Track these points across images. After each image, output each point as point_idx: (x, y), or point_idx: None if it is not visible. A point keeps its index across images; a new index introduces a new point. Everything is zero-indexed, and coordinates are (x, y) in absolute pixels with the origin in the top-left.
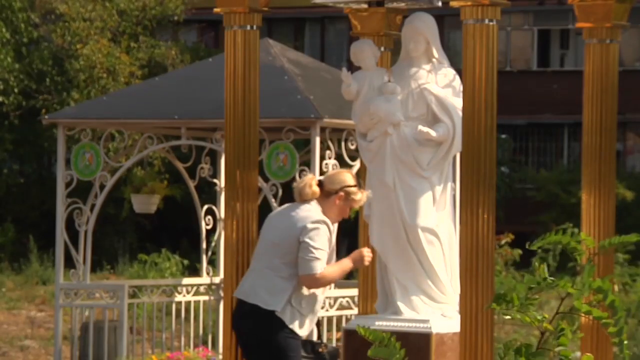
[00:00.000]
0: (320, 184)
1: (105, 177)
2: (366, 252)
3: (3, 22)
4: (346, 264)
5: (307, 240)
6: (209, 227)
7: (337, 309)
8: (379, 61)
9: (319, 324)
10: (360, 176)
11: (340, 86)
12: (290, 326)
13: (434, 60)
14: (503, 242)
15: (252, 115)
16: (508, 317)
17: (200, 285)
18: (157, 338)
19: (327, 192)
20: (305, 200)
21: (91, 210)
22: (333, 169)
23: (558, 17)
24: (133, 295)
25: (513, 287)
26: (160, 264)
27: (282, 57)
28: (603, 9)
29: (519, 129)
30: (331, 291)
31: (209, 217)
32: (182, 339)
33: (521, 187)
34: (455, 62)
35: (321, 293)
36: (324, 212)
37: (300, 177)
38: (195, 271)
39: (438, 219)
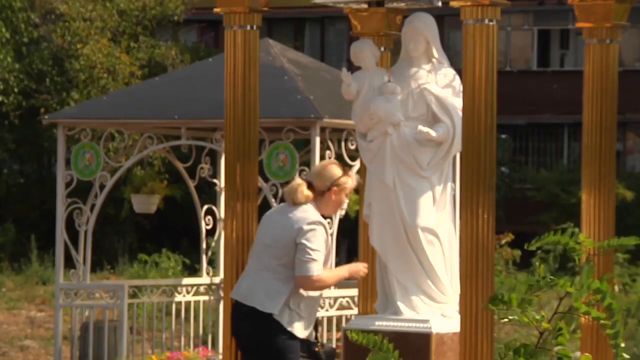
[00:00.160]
0: (310, 184)
1: (105, 177)
2: (362, 267)
3: (3, 22)
4: (342, 272)
5: (304, 241)
6: (209, 227)
7: (337, 309)
8: (379, 61)
9: (318, 323)
10: (360, 176)
11: (340, 86)
12: (289, 329)
13: (434, 60)
14: (503, 242)
15: (252, 115)
16: (505, 319)
17: (200, 285)
18: (157, 338)
19: (320, 191)
20: (298, 204)
21: (91, 210)
22: None
23: (558, 17)
24: (133, 295)
25: (513, 287)
26: (161, 263)
27: (282, 57)
28: (603, 9)
29: (519, 129)
30: (331, 291)
31: (209, 217)
32: (182, 339)
33: (521, 187)
34: (455, 62)
35: (319, 294)
36: (321, 209)
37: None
38: (195, 271)
39: (438, 219)
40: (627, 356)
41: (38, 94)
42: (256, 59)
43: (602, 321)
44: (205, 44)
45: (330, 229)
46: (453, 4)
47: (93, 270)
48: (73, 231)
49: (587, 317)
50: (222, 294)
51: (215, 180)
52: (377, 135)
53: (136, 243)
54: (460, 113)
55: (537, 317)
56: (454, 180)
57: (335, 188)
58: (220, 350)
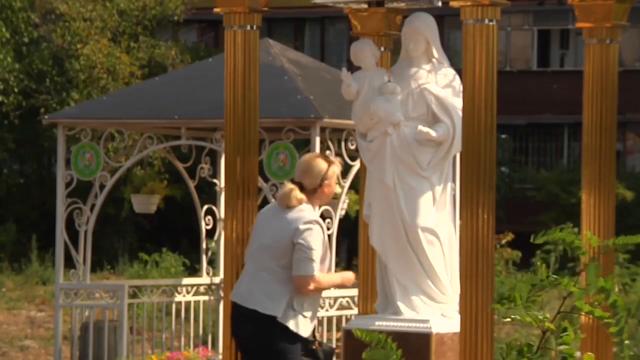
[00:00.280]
0: (300, 185)
1: (105, 177)
2: (353, 277)
3: (3, 21)
4: (336, 279)
5: (301, 241)
6: (209, 227)
7: (337, 309)
8: (379, 61)
9: (319, 323)
10: (360, 176)
11: (340, 86)
12: (295, 330)
13: (434, 60)
14: (503, 241)
15: (252, 115)
16: (508, 319)
17: (200, 285)
18: (157, 338)
19: (311, 189)
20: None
21: (91, 210)
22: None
23: (558, 17)
24: (133, 295)
25: (513, 287)
26: (162, 263)
27: (282, 57)
28: (603, 9)
29: (519, 129)
30: (331, 291)
31: (209, 217)
32: (182, 339)
33: (521, 187)
34: (455, 62)
35: (320, 292)
36: (315, 204)
37: None
38: (195, 271)
39: (438, 219)
40: (632, 352)
41: (38, 94)
42: (256, 59)
43: (605, 320)
44: (205, 44)
45: (330, 229)
46: (453, 4)
47: (93, 270)
48: (73, 231)
49: (588, 316)
50: (222, 294)
51: (215, 180)
52: (377, 135)
53: (136, 243)
54: (460, 113)
55: (541, 316)
56: (454, 180)
57: (326, 182)
58: (220, 350)
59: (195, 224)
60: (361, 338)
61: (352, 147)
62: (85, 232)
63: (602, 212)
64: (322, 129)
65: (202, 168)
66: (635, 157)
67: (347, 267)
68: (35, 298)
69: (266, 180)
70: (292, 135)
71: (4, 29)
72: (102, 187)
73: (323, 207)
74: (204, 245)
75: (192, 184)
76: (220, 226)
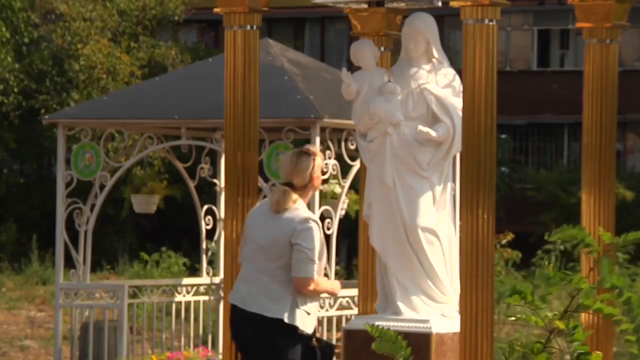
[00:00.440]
0: (290, 185)
1: (105, 177)
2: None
3: (3, 21)
4: (329, 285)
5: (300, 242)
6: (209, 227)
7: (337, 309)
8: (379, 61)
9: (319, 323)
10: (360, 176)
11: (340, 86)
12: (302, 328)
13: (434, 60)
14: (503, 241)
15: (252, 115)
16: (513, 318)
17: (200, 285)
18: (157, 338)
19: (301, 186)
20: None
21: (91, 210)
22: (333, 169)
23: (558, 17)
24: (133, 295)
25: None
26: (162, 262)
27: (282, 57)
28: (603, 9)
29: (519, 129)
30: None
31: (209, 217)
32: (182, 339)
33: (521, 187)
34: (455, 62)
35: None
36: (307, 198)
37: None
38: (195, 271)
39: (438, 219)
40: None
41: (38, 94)
42: (256, 59)
43: (615, 318)
44: (205, 44)
45: (330, 229)
46: (453, 4)
47: (93, 270)
48: (73, 231)
49: (589, 315)
50: (222, 294)
51: (215, 180)
52: (377, 135)
53: (136, 243)
54: (460, 113)
55: (550, 315)
56: (454, 180)
57: (314, 176)
58: (220, 350)
59: (195, 224)
60: (372, 334)
61: (352, 147)
62: (85, 232)
63: (602, 212)
64: (322, 129)
65: (202, 168)
66: (635, 157)
67: (347, 267)
68: (35, 298)
69: (266, 180)
70: (292, 135)
71: (4, 29)
72: (102, 187)
73: (323, 207)
74: (204, 245)
75: (192, 184)
76: (220, 226)
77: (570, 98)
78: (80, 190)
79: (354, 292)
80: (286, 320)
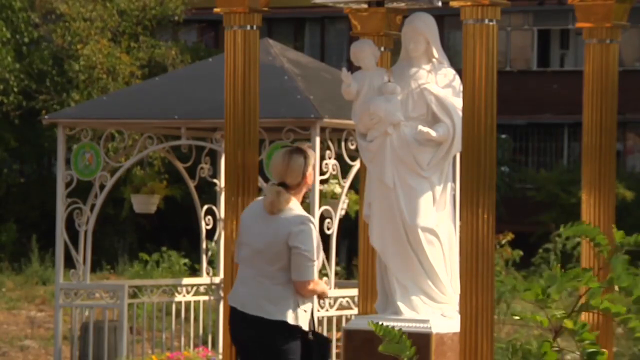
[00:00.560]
0: (283, 184)
1: (105, 177)
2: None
3: (3, 21)
4: (323, 285)
5: (298, 245)
6: (209, 227)
7: (337, 309)
8: (379, 61)
9: (319, 323)
10: (360, 176)
11: (340, 86)
12: (304, 328)
13: (434, 60)
14: (503, 241)
15: (252, 115)
16: (517, 317)
17: (200, 285)
18: (157, 338)
19: (294, 185)
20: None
21: (91, 210)
22: (333, 169)
23: (558, 17)
24: (133, 295)
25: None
26: (162, 262)
27: (282, 57)
28: (603, 9)
29: (519, 129)
30: (331, 291)
31: (209, 217)
32: (182, 339)
33: (521, 187)
34: (455, 62)
35: None
36: (300, 196)
37: None
38: (195, 271)
39: (438, 219)
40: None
41: (38, 94)
42: (256, 59)
43: (622, 316)
44: (205, 44)
45: (330, 229)
46: (453, 4)
47: (93, 270)
48: (73, 231)
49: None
50: (222, 294)
51: (215, 180)
52: (377, 135)
53: (136, 243)
54: (460, 113)
55: (558, 314)
56: (454, 180)
57: (307, 174)
58: (220, 350)
59: (195, 224)
60: (376, 332)
61: (352, 147)
62: (85, 232)
63: (602, 212)
64: (322, 129)
65: (202, 168)
66: (635, 157)
67: (347, 267)
68: (35, 298)
69: (266, 180)
70: (292, 135)
71: (4, 29)
72: (102, 187)
73: (323, 207)
74: (204, 245)
75: (192, 184)
76: (220, 226)
77: (570, 98)
78: (80, 190)
79: (354, 292)
80: (288, 321)
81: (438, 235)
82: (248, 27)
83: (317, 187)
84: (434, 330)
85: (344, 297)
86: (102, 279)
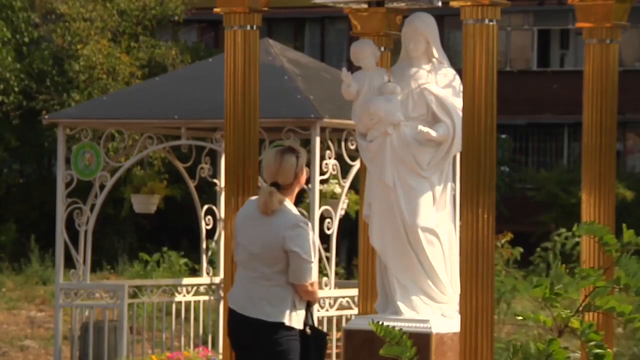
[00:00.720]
0: (275, 184)
1: (105, 177)
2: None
3: (3, 21)
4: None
5: (295, 249)
6: (209, 227)
7: (337, 309)
8: (379, 61)
9: (319, 323)
10: (360, 176)
11: (340, 86)
12: (300, 327)
13: (434, 60)
14: (503, 241)
15: (252, 115)
16: (520, 318)
17: (200, 285)
18: (157, 338)
19: (287, 185)
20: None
21: (91, 210)
22: (333, 169)
23: (558, 17)
24: (133, 295)
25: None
26: (165, 261)
27: (282, 57)
28: (603, 9)
29: (519, 129)
30: (331, 291)
31: (209, 217)
32: (182, 339)
33: (521, 187)
34: (455, 62)
35: None
36: (293, 195)
37: None
38: (195, 271)
39: (438, 219)
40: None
41: (38, 94)
42: (256, 59)
43: (627, 316)
44: (205, 44)
45: (330, 229)
46: (453, 4)
47: (93, 270)
48: (73, 231)
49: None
50: (222, 294)
51: (215, 180)
52: (377, 135)
53: (136, 243)
54: (460, 113)
55: (563, 314)
56: (454, 180)
57: (299, 174)
58: (220, 350)
59: (195, 224)
60: (376, 332)
61: (352, 147)
62: (85, 232)
63: (602, 212)
64: (322, 129)
65: (202, 168)
66: (635, 157)
67: (347, 267)
68: (35, 298)
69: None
70: (292, 135)
71: (4, 29)
72: (102, 187)
73: (323, 207)
74: (204, 245)
75: (192, 184)
76: (220, 226)
77: (570, 98)
78: (80, 190)
79: (354, 292)
80: (287, 322)
81: (438, 235)
82: (248, 27)
83: (317, 187)
84: (434, 330)
85: (344, 297)
86: (102, 279)
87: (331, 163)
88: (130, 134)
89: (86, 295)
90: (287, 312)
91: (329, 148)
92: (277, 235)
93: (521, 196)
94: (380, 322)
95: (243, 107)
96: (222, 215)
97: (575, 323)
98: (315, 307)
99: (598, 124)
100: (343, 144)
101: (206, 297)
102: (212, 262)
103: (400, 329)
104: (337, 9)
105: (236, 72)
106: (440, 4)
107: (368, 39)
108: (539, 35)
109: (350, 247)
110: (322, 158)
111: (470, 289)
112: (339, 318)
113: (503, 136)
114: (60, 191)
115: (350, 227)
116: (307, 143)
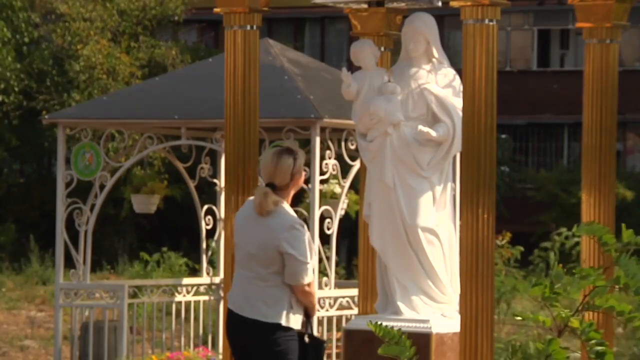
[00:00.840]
0: (271, 185)
1: (105, 177)
2: None
3: (4, 21)
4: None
5: (291, 252)
6: (209, 227)
7: (337, 309)
8: (379, 61)
9: (319, 323)
10: (360, 176)
11: (340, 86)
12: (296, 328)
13: (434, 60)
14: (503, 241)
15: (252, 115)
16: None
17: (200, 285)
18: (157, 338)
19: (283, 186)
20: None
21: (91, 210)
22: (333, 169)
23: (558, 17)
24: (133, 295)
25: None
26: (166, 261)
27: (282, 57)
28: (603, 9)
29: (519, 129)
30: (331, 291)
31: (209, 217)
32: (182, 339)
33: (521, 187)
34: (455, 62)
35: None
36: (289, 197)
37: None
38: (195, 271)
39: (438, 219)
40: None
41: (38, 94)
42: (256, 59)
43: (627, 315)
44: (205, 44)
45: (330, 229)
46: (453, 4)
47: (93, 270)
48: (73, 231)
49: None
50: (222, 293)
51: (215, 180)
52: (377, 135)
53: (136, 243)
54: (460, 113)
55: (563, 313)
56: (454, 180)
57: (296, 175)
58: (220, 350)
59: (195, 224)
60: (375, 332)
61: (352, 147)
62: (85, 232)
63: (602, 212)
64: (322, 129)
65: (202, 168)
66: (635, 157)
67: (347, 267)
68: (35, 298)
69: None
70: (292, 135)
71: (4, 29)
72: (102, 187)
73: (323, 207)
74: (204, 245)
75: (192, 184)
76: (220, 226)
77: (570, 98)
78: (80, 190)
79: (354, 292)
80: (284, 323)
81: (438, 235)
82: (248, 27)
83: (317, 187)
84: (434, 330)
85: (344, 297)
86: (102, 279)
87: (331, 163)
88: (130, 134)
89: (86, 295)
90: (284, 312)
91: (329, 148)
92: (272, 237)
93: (521, 196)
94: (379, 323)
95: (243, 107)
96: (222, 215)
97: (575, 322)
98: (315, 307)
99: (598, 124)
100: (343, 144)
101: (206, 297)
102: (212, 262)
103: (399, 329)
104: (337, 9)
105: (236, 72)
106: (440, 4)
107: (368, 39)
108: (539, 35)
109: (350, 247)
110: (322, 158)
111: (470, 289)
112: (339, 318)
113: (503, 136)
114: (60, 191)
115: (350, 227)
116: (307, 143)
